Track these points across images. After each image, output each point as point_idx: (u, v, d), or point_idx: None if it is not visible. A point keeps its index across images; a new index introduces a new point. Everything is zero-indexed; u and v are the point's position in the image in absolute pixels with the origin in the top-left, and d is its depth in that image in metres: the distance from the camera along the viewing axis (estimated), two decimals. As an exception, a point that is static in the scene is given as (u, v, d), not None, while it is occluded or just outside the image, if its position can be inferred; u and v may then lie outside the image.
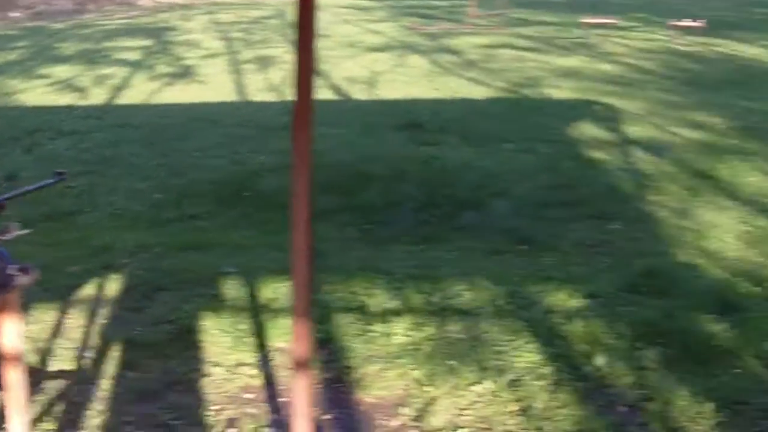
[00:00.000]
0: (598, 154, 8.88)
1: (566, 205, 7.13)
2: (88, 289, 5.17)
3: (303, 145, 2.42)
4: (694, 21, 18.92)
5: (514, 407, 3.78)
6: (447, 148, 9.19)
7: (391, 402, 3.86)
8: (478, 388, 3.94)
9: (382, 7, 28.95)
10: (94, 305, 4.92)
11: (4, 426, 2.92)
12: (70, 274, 5.44)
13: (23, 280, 2.55)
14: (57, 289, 5.06)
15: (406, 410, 3.78)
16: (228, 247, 6.08)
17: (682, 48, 17.83)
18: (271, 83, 13.98)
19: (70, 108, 12.10)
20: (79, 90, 13.79)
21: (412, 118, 10.57)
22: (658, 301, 4.93)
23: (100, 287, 5.19)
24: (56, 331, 4.59)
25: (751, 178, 7.87)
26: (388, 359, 4.21)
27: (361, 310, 4.77)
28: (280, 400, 3.88)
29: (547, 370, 4.11)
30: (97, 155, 9.11)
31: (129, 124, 10.70)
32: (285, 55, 16.70)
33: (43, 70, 15.81)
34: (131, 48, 18.66)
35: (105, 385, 4.00)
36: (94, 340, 4.48)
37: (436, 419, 3.70)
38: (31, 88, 13.94)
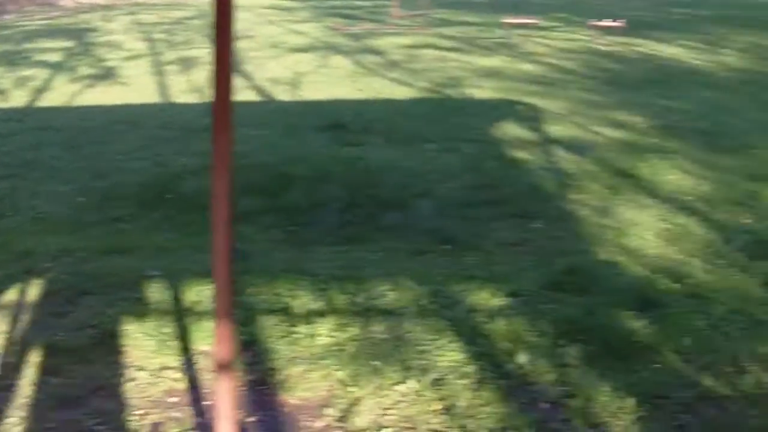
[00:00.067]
0: (520, 154, 8.97)
1: (489, 205, 7.20)
2: (10, 295, 5.07)
3: (223, 147, 2.43)
4: (614, 21, 19.29)
5: (438, 406, 3.82)
6: (370, 148, 9.21)
7: (316, 403, 3.87)
8: (402, 387, 3.97)
9: (305, 8, 28.88)
10: (15, 311, 4.83)
11: None
12: (-9, 279, 5.33)
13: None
14: (-24, 296, 4.96)
15: (330, 411, 3.80)
16: (151, 250, 6.02)
17: (602, 48, 18.13)
18: (193, 84, 13.85)
19: (-11, 111, 11.83)
20: (-1, 92, 13.52)
21: (335, 119, 10.55)
22: (579, 299, 5.00)
23: (22, 292, 5.09)
24: (-25, 338, 4.50)
25: (670, 176, 8.03)
26: (312, 360, 4.22)
27: (285, 312, 4.76)
28: (204, 403, 3.86)
29: (470, 368, 4.15)
30: (18, 158, 8.93)
31: (51, 127, 10.49)
32: (208, 56, 16.49)
33: (-39, 72, 15.45)
34: (52, 49, 18.29)
35: (27, 392, 3.94)
36: (16, 345, 4.40)
37: (361, 419, 3.72)
38: (-51, 91, 13.62)
